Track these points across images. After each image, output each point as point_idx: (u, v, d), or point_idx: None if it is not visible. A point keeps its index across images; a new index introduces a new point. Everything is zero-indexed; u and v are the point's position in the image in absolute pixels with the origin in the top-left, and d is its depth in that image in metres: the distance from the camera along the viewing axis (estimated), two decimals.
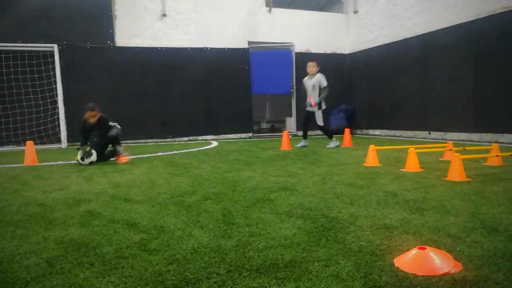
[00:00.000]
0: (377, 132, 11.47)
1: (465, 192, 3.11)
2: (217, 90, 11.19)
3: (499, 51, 7.64)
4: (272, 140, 10.18)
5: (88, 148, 5.54)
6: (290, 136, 11.20)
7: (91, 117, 5.76)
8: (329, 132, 7.63)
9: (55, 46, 9.36)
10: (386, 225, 2.25)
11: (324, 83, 7.19)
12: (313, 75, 7.25)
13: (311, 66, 7.24)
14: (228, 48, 11.26)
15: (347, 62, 12.63)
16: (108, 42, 10.13)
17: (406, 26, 10.16)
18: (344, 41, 12.65)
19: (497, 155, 4.50)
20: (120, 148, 5.91)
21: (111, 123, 5.97)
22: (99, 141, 5.80)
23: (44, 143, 9.34)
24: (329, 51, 12.48)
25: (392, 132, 10.87)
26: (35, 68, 9.35)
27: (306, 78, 7.39)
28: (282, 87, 11.82)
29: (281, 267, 1.66)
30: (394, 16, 10.59)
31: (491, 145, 4.74)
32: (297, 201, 2.94)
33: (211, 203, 2.94)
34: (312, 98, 7.21)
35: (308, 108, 7.37)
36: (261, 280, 1.54)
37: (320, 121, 7.30)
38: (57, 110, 9.45)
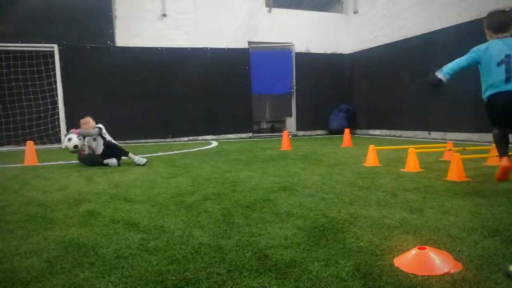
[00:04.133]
0: (377, 132, 11.47)
1: (465, 192, 3.11)
2: (217, 90, 11.19)
3: None
4: (272, 140, 10.18)
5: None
6: (290, 136, 11.19)
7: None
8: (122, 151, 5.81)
9: (55, 46, 9.36)
10: (386, 225, 2.25)
11: (97, 131, 5.66)
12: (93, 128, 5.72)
13: (86, 123, 5.69)
14: (228, 48, 11.25)
15: (347, 62, 12.63)
16: (108, 42, 10.13)
17: (406, 26, 10.15)
18: (344, 41, 12.65)
19: (497, 155, 4.49)
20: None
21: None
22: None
23: (44, 143, 9.33)
24: (329, 51, 12.48)
25: (392, 132, 10.87)
26: (35, 68, 9.35)
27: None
28: (282, 87, 11.82)
29: (281, 267, 1.66)
30: (394, 16, 10.59)
31: (491, 145, 4.74)
32: (297, 201, 2.94)
33: (211, 203, 2.94)
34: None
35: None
36: (261, 280, 1.54)
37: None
38: (57, 110, 9.44)
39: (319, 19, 12.41)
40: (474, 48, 3.12)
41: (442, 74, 3.14)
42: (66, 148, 5.59)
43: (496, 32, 3.05)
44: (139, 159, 5.41)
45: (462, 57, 3.18)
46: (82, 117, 5.72)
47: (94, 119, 5.77)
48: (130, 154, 5.47)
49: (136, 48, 10.35)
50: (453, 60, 3.26)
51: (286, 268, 1.66)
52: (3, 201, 3.22)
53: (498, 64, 2.95)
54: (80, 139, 5.49)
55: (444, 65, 3.21)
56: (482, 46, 3.09)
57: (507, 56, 2.93)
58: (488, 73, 3.02)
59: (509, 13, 3.12)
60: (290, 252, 1.85)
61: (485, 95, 3.10)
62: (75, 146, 5.43)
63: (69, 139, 5.45)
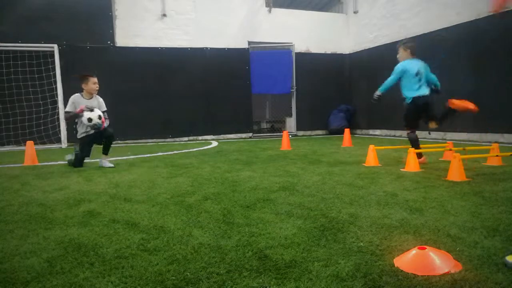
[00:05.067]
0: (377, 132, 11.47)
1: (465, 192, 3.11)
2: (217, 90, 11.20)
3: (499, 51, 7.63)
4: (272, 140, 10.18)
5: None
6: (290, 136, 11.19)
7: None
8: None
9: (55, 46, 9.36)
10: (386, 225, 2.25)
11: (105, 106, 5.46)
12: (94, 94, 5.39)
13: (96, 83, 5.29)
14: (228, 48, 11.25)
15: (347, 62, 12.62)
16: (108, 42, 10.13)
17: (406, 26, 10.15)
18: (344, 41, 12.64)
19: (497, 155, 4.50)
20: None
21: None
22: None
23: (44, 143, 9.33)
24: (329, 51, 12.48)
25: (392, 132, 10.87)
26: (35, 68, 9.35)
27: (78, 95, 5.27)
28: (282, 87, 11.82)
29: (281, 267, 1.66)
30: (394, 16, 10.59)
31: (491, 145, 4.74)
32: (297, 201, 2.94)
33: (211, 203, 2.94)
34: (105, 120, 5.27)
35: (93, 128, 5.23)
36: (261, 280, 1.54)
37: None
38: (57, 110, 9.45)
39: (319, 19, 12.41)
40: (397, 71, 4.75)
41: (379, 91, 5.02)
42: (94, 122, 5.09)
43: (412, 54, 4.77)
44: (105, 162, 5.26)
45: (390, 78, 4.90)
46: (93, 76, 5.24)
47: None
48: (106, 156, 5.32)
49: (136, 48, 10.35)
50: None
51: (286, 268, 1.66)
52: (3, 201, 3.22)
53: (416, 75, 4.58)
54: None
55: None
56: (399, 67, 4.74)
57: (418, 72, 4.57)
58: (409, 82, 4.63)
59: (415, 41, 4.91)
60: (290, 252, 1.85)
61: (410, 97, 4.71)
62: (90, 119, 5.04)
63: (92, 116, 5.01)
